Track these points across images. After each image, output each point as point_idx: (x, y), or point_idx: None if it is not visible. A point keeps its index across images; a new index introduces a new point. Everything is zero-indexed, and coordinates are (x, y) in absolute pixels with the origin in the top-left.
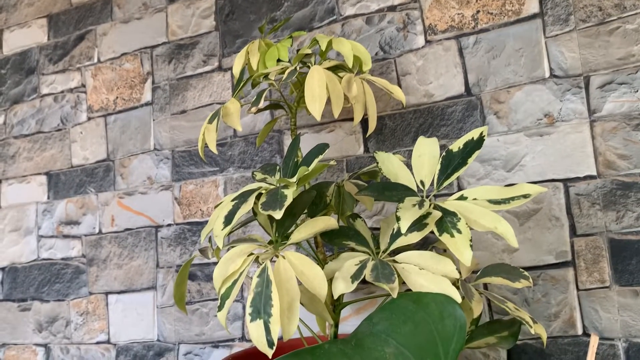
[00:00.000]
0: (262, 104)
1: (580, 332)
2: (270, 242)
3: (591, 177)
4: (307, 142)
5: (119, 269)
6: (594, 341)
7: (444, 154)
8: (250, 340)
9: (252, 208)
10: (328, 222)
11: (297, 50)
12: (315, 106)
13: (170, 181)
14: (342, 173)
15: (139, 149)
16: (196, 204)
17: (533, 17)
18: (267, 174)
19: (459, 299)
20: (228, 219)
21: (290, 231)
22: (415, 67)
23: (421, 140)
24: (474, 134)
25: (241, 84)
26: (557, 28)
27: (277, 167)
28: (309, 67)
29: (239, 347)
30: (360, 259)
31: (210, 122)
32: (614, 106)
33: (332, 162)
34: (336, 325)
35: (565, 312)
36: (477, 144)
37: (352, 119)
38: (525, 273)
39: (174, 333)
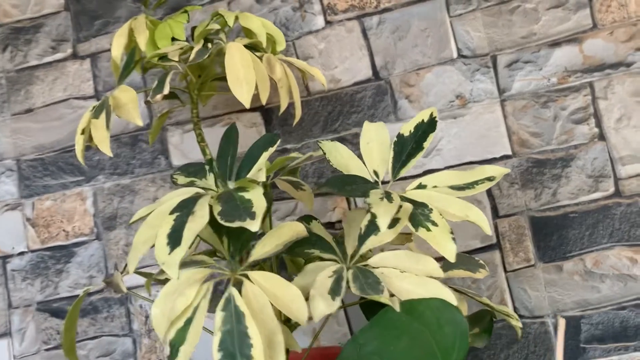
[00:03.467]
0: (167, 90)
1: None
2: (211, 255)
3: (507, 157)
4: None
5: None
6: (561, 324)
7: (395, 139)
8: None
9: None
10: (296, 229)
11: (193, 29)
12: (242, 90)
13: (18, 198)
14: None
15: None
16: (57, 223)
17: None
18: (192, 176)
19: (454, 302)
20: (174, 239)
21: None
22: (318, 50)
23: (367, 126)
24: (423, 115)
25: (130, 68)
26: (460, 7)
27: (206, 167)
28: (209, 46)
29: None
30: (332, 269)
31: (96, 116)
32: (522, 85)
33: (296, 155)
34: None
35: (497, 295)
36: (428, 126)
37: (249, 110)
38: (481, 262)
39: None
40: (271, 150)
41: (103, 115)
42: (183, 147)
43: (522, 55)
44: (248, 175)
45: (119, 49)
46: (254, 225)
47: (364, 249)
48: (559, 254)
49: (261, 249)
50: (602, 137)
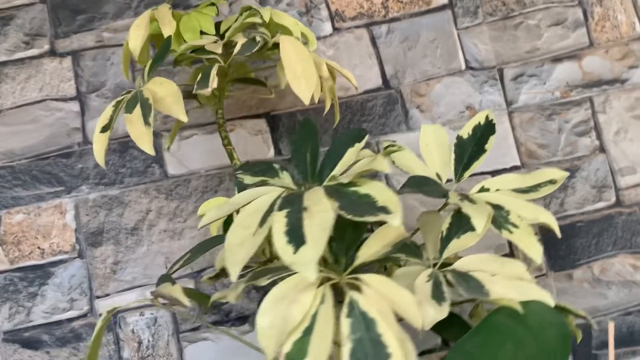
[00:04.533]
0: (215, 84)
1: None
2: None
3: (516, 168)
4: (198, 147)
5: None
6: (611, 328)
7: (455, 141)
8: None
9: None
10: (400, 231)
11: (217, 25)
12: (301, 86)
13: None
14: None
15: None
16: (31, 240)
17: (443, 7)
18: (261, 175)
19: (552, 304)
20: (296, 236)
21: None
22: (326, 57)
23: (425, 128)
24: (479, 118)
25: (162, 59)
26: (467, 20)
27: (274, 165)
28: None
29: None
30: (427, 274)
31: (129, 111)
32: (527, 97)
33: (396, 148)
34: None
35: None
36: (486, 128)
37: (254, 116)
38: None
39: None
40: (358, 146)
41: (138, 109)
42: (180, 155)
43: (527, 69)
44: (333, 173)
45: (138, 40)
46: (395, 219)
47: (447, 252)
48: (569, 263)
49: (367, 251)
50: (602, 149)
